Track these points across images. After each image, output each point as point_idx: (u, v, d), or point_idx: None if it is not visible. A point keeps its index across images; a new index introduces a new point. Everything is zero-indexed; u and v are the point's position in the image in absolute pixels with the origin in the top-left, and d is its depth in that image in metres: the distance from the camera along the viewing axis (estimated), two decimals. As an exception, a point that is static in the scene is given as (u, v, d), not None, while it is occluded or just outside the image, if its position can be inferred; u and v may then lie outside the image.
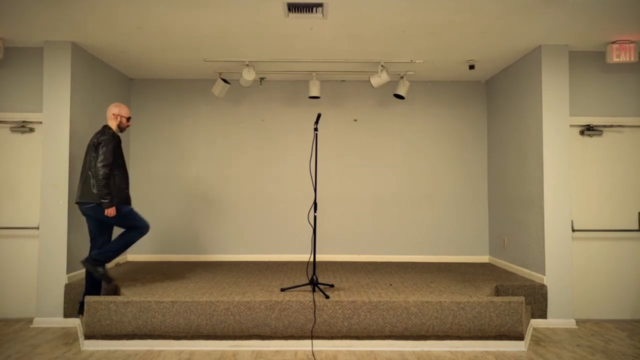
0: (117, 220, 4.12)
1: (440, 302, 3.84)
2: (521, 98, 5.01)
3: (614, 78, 4.84)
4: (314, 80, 5.50)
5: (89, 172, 4.01)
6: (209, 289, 4.21)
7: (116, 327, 3.77)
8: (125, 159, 5.84)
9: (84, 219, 4.76)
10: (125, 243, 4.20)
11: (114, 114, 4.18)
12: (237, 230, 5.99)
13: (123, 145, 5.70)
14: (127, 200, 4.19)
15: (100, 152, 3.94)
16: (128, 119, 4.26)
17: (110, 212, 3.97)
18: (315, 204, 4.23)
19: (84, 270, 4.73)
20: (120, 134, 4.21)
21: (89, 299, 3.81)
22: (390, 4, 3.70)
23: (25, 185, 4.74)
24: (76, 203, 4.13)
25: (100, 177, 3.91)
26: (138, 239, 4.26)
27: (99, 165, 3.92)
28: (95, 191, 3.96)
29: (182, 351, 3.73)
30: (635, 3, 3.64)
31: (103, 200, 3.94)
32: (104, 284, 4.22)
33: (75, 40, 4.54)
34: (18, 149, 4.77)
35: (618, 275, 4.81)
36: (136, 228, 4.22)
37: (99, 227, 4.15)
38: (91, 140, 4.10)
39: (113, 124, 4.18)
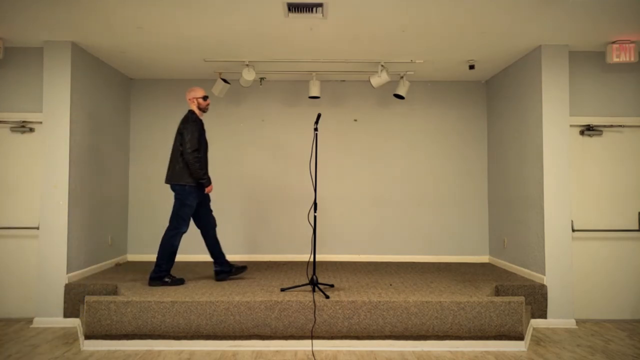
0: (177, 203, 4.34)
1: (440, 302, 3.84)
2: (521, 98, 5.01)
3: (614, 78, 4.84)
4: (314, 80, 5.50)
5: (177, 156, 4.31)
6: (209, 289, 4.21)
7: (116, 327, 3.77)
8: (125, 158, 5.86)
9: (83, 218, 4.79)
10: (166, 247, 4.33)
11: (189, 99, 4.46)
12: (236, 230, 5.98)
13: (124, 142, 5.77)
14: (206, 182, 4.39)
15: (186, 140, 4.24)
16: (204, 97, 4.46)
17: (210, 189, 4.38)
18: (315, 204, 4.23)
19: (83, 270, 4.74)
20: (202, 114, 4.49)
21: (89, 299, 3.81)
22: (390, 4, 3.70)
23: (25, 185, 4.74)
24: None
25: (192, 162, 4.22)
26: (177, 240, 4.36)
27: (188, 151, 4.22)
28: (184, 174, 4.27)
29: (182, 351, 3.73)
30: (635, 3, 3.64)
31: (201, 181, 4.29)
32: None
33: (75, 40, 4.54)
34: (18, 149, 4.76)
35: (618, 275, 4.81)
36: (175, 227, 4.34)
37: (178, 207, 4.35)
38: (178, 126, 4.39)
39: (194, 108, 4.45)
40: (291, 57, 5.05)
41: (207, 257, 5.89)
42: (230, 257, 5.89)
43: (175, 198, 4.36)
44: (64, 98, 4.51)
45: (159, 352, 3.71)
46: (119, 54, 4.96)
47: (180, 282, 4.39)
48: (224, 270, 4.56)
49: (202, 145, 4.35)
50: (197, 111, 4.45)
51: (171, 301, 3.80)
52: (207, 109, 4.52)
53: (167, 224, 5.89)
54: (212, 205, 5.97)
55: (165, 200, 5.94)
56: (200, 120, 4.40)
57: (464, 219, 5.98)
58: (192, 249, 5.93)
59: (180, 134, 4.32)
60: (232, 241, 5.96)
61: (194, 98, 4.43)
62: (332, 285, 4.34)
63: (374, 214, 5.99)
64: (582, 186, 4.85)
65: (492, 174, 5.87)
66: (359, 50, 4.81)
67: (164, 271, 4.34)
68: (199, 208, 4.48)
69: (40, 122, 4.62)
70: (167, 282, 4.33)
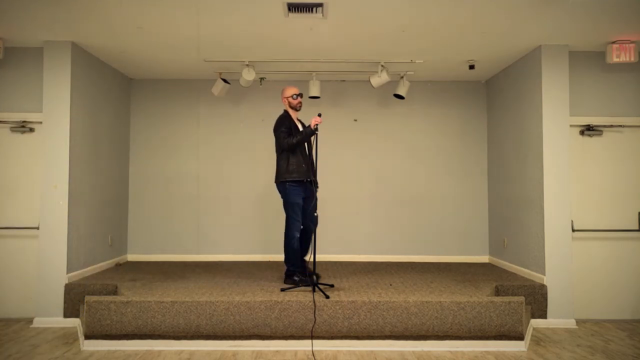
0: (285, 202, 4.40)
1: (440, 302, 3.84)
2: (521, 98, 5.01)
3: (614, 78, 4.84)
4: (314, 80, 5.50)
5: (276, 158, 4.48)
6: (209, 289, 4.21)
7: (116, 327, 3.77)
8: (125, 158, 5.86)
9: (83, 218, 4.79)
10: (287, 249, 4.36)
11: (282, 100, 4.52)
12: (237, 230, 5.99)
13: (124, 142, 5.77)
14: (299, 175, 4.31)
15: (277, 140, 4.41)
16: (294, 96, 4.44)
17: (315, 121, 4.21)
18: (315, 204, 4.23)
19: (83, 270, 4.74)
20: (295, 112, 4.50)
21: (89, 299, 3.81)
22: (390, 4, 3.70)
23: (25, 185, 4.73)
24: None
25: (291, 144, 4.27)
26: (293, 238, 4.30)
27: (285, 147, 4.30)
28: (281, 172, 4.36)
29: (182, 351, 3.72)
30: (635, 3, 3.64)
31: (309, 135, 4.24)
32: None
33: (75, 40, 4.54)
34: (18, 149, 4.76)
35: (618, 275, 4.81)
36: (288, 226, 4.36)
37: (284, 206, 4.43)
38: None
39: (287, 107, 4.50)
40: (291, 57, 5.05)
41: (207, 257, 5.91)
42: (229, 257, 5.92)
43: (282, 197, 4.43)
44: (64, 98, 4.51)
45: (159, 352, 3.71)
46: (119, 54, 4.96)
47: (307, 281, 4.14)
48: (289, 274, 4.40)
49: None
50: (289, 110, 4.48)
51: (171, 301, 3.80)
52: (298, 106, 4.47)
53: (167, 223, 5.96)
54: (211, 205, 6.01)
55: (165, 199, 5.95)
56: (286, 118, 4.42)
57: (464, 219, 5.97)
58: (192, 249, 5.94)
59: (274, 135, 4.44)
60: (232, 240, 5.96)
61: (284, 98, 4.48)
62: (332, 285, 4.33)
63: (374, 214, 5.99)
64: (582, 186, 4.85)
65: (492, 173, 5.87)
66: (359, 50, 4.81)
67: (292, 270, 4.34)
68: (308, 203, 4.40)
69: (40, 122, 4.61)
70: (295, 280, 4.29)
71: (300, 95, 4.47)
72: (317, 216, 4.35)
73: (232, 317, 3.79)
